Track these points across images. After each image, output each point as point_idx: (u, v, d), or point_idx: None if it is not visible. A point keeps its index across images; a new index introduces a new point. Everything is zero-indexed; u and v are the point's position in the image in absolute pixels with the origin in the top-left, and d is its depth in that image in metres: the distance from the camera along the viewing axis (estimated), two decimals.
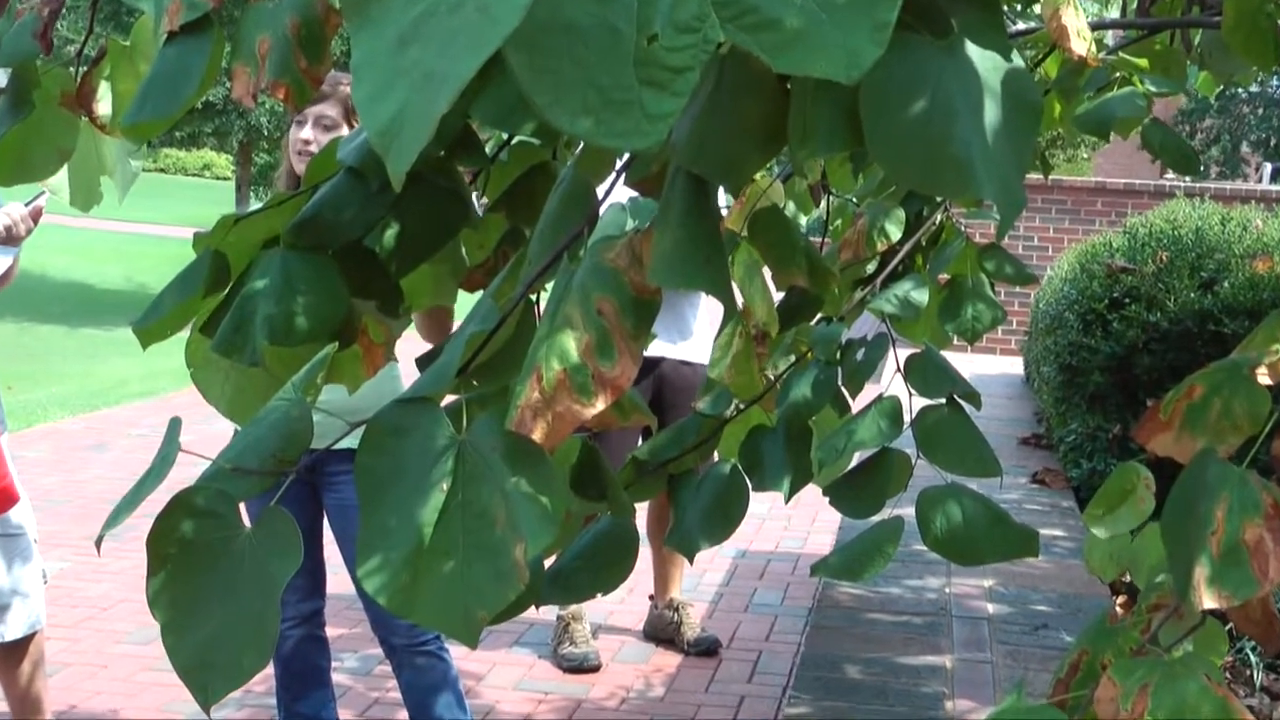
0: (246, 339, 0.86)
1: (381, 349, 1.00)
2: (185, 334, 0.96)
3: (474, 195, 1.04)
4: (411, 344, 1.31)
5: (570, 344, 0.65)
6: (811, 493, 1.37)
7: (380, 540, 0.60)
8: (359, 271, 0.92)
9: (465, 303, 0.91)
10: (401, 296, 0.97)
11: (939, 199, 1.58)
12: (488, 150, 1.03)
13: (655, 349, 3.08)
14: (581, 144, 0.94)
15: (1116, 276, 4.16)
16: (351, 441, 0.68)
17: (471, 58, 0.45)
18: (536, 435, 0.64)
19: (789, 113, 0.69)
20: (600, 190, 0.86)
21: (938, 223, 1.64)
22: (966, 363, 6.79)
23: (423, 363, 0.86)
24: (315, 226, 0.90)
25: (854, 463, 1.23)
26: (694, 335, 3.17)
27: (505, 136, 1.08)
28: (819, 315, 1.41)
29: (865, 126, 0.62)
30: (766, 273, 1.28)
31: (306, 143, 2.19)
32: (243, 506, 0.66)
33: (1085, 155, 17.07)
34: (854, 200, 1.75)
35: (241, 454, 0.68)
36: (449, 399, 0.76)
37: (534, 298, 0.87)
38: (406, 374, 1.27)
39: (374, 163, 0.89)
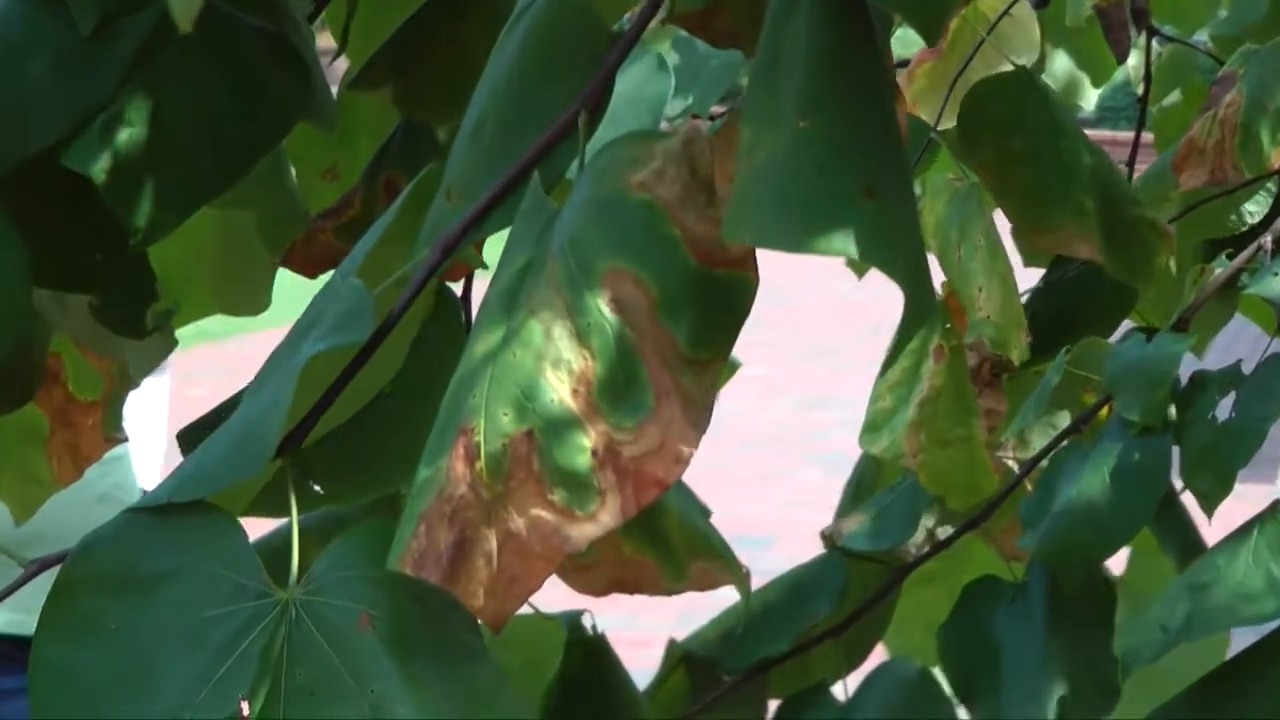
0: None
1: (95, 415, 1.02)
2: None
3: (319, 54, 1.06)
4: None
5: (544, 371, 0.67)
6: None
7: None
8: (57, 226, 0.95)
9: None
10: (154, 286, 1.00)
11: None
12: None
13: None
14: None
15: None
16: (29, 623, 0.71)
17: None
18: (464, 590, 0.65)
19: None
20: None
21: None
22: None
23: (195, 436, 0.87)
24: None
25: (1219, 661, 1.23)
26: None
27: None
28: (1125, 321, 1.43)
29: None
30: (1001, 221, 1.30)
31: None
32: None
33: None
34: (1208, 47, 1.78)
35: None
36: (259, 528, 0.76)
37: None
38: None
39: None
